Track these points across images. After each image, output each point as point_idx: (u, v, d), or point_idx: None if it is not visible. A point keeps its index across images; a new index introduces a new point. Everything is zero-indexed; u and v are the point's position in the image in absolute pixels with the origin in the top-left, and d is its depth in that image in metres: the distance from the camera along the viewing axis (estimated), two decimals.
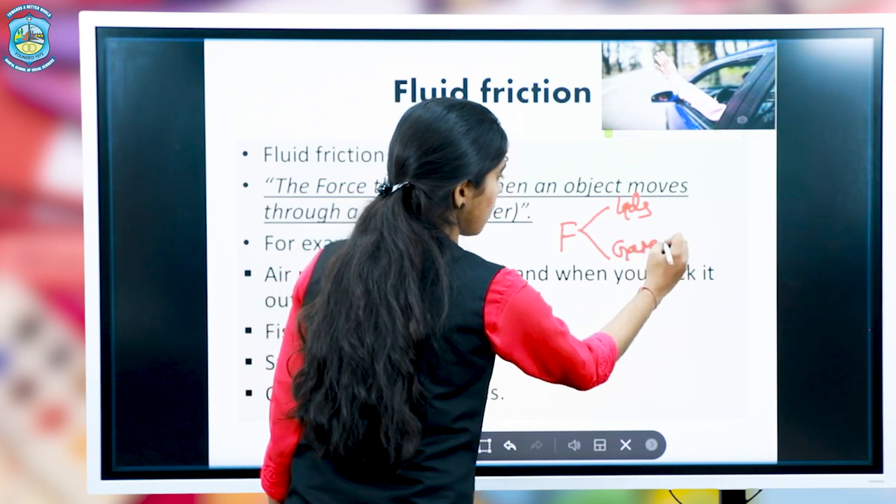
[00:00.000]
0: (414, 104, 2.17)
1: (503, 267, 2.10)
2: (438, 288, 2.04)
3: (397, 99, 2.80)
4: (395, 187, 2.08)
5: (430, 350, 2.04)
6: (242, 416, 2.79)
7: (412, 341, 2.01)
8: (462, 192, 2.10)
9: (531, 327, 2.11)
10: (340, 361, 2.02)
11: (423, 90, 2.79)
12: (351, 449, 2.02)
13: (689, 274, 2.82)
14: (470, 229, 2.17)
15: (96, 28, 2.75)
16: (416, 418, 2.02)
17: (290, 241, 2.79)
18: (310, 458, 2.11)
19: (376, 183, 2.79)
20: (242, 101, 2.79)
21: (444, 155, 2.08)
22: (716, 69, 2.82)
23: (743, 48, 2.81)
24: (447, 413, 2.08)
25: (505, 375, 2.81)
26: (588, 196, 2.82)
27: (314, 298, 2.10)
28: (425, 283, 2.04)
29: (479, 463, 2.81)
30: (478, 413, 2.14)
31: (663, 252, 2.41)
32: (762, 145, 2.82)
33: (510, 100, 2.80)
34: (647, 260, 2.44)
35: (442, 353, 2.05)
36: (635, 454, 2.84)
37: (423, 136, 2.09)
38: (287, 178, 2.79)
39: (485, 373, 2.13)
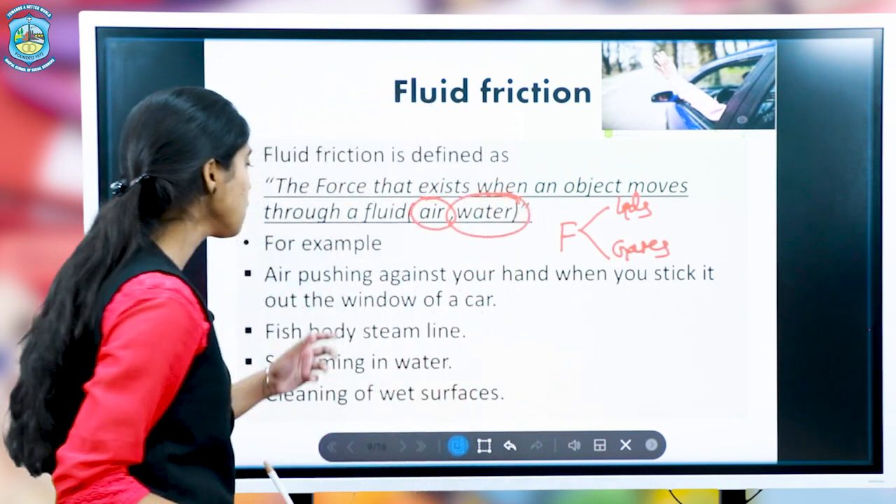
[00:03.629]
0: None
1: (156, 271, 1.90)
2: (102, 287, 1.88)
3: (397, 99, 2.80)
4: (132, 182, 1.93)
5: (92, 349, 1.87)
6: (242, 416, 2.79)
7: (68, 340, 1.86)
8: (212, 176, 1.97)
9: (115, 343, 1.84)
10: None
11: (423, 90, 2.80)
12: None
13: (689, 274, 2.82)
14: (226, 222, 2.01)
15: (96, 28, 2.75)
16: (52, 419, 1.86)
17: (290, 241, 2.79)
18: None
19: (376, 183, 2.79)
20: (242, 101, 2.77)
21: (182, 134, 1.95)
22: (716, 69, 2.82)
23: (743, 48, 2.81)
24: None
25: (505, 375, 2.81)
26: (588, 196, 2.82)
27: None
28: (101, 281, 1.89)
29: (479, 463, 2.82)
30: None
31: None
32: (762, 145, 2.82)
33: (510, 100, 2.80)
34: None
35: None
36: (635, 454, 2.84)
37: (154, 122, 1.95)
38: (287, 178, 2.79)
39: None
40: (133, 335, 1.84)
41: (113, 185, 1.97)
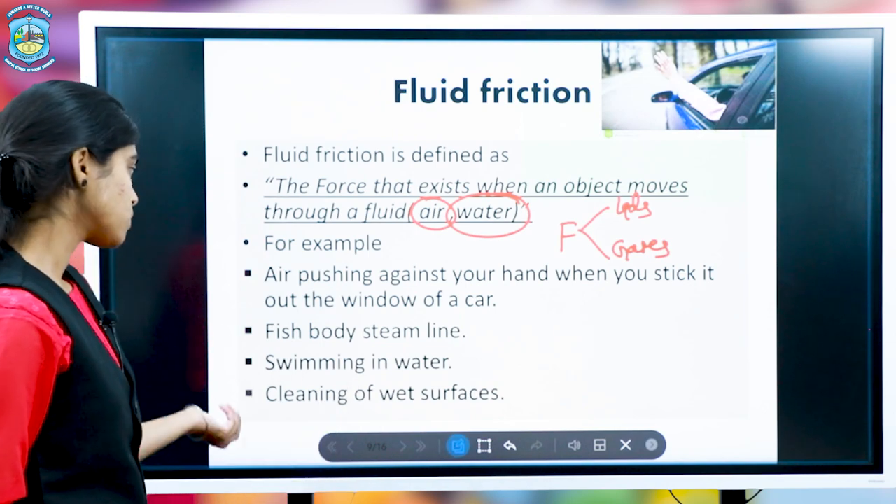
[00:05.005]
0: None
1: (1, 287, 1.76)
2: None
3: (397, 99, 2.80)
4: None
5: None
6: (242, 416, 2.78)
7: None
8: (84, 168, 1.84)
9: None
10: None
11: (423, 90, 2.80)
12: None
13: (689, 274, 2.82)
14: (102, 224, 1.87)
15: (96, 28, 2.75)
16: None
17: (290, 241, 2.79)
18: None
19: (376, 183, 2.79)
20: (242, 101, 2.79)
21: (50, 117, 1.82)
22: (716, 69, 2.82)
23: (743, 48, 2.81)
24: None
25: (505, 375, 2.81)
26: (588, 196, 2.82)
27: None
28: None
29: (479, 463, 2.82)
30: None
31: None
32: (762, 145, 2.82)
33: (510, 100, 2.80)
34: None
35: None
36: (635, 454, 2.84)
37: (21, 108, 1.83)
38: (287, 178, 2.79)
39: None
40: None
41: None
